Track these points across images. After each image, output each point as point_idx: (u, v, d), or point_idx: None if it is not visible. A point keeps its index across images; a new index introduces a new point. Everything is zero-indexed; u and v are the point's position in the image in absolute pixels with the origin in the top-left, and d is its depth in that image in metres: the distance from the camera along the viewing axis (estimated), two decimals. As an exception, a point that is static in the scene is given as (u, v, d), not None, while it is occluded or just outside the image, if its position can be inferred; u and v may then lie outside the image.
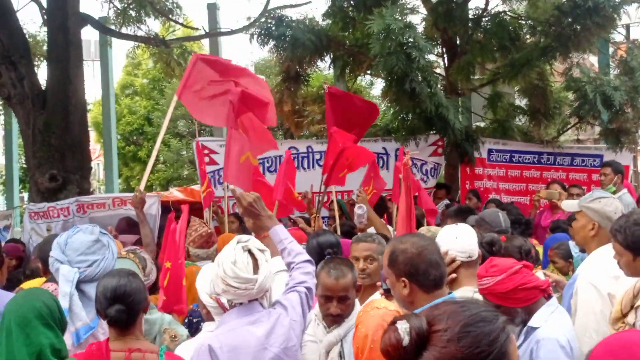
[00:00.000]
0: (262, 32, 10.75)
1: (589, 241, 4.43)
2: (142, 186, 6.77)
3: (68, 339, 3.59)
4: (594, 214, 4.37)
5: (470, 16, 10.99)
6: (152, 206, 8.67)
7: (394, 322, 1.82)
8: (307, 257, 3.82)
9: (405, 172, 6.27)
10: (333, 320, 3.79)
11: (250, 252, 3.39)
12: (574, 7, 9.45)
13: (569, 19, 9.67)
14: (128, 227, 7.96)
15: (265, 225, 3.91)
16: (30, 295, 3.11)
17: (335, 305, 3.73)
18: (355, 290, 3.85)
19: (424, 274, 3.01)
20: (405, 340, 1.74)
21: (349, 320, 3.77)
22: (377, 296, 4.05)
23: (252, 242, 3.45)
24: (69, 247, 3.86)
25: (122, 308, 3.30)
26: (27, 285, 5.02)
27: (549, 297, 3.66)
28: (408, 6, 10.41)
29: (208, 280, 3.56)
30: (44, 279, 4.95)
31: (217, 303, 3.66)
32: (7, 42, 9.92)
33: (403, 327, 1.76)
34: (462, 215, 6.16)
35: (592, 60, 14.07)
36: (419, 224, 6.51)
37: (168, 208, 8.47)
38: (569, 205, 4.78)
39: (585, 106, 10.01)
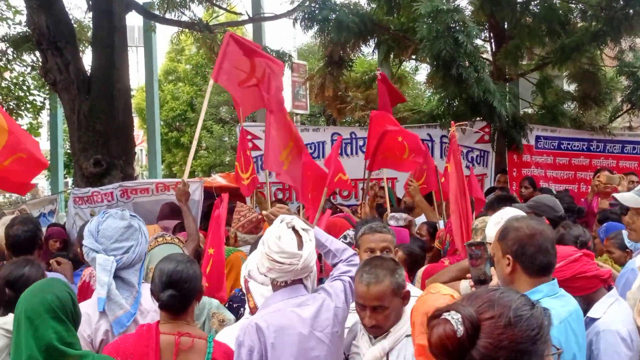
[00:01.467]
0: (306, 16, 10.72)
1: None
2: (185, 176, 6.75)
3: (103, 327, 3.66)
4: None
5: (519, 0, 10.81)
6: (195, 192, 8.68)
7: (438, 315, 1.80)
8: (352, 251, 3.80)
9: (453, 146, 6.16)
10: (374, 331, 3.45)
11: (294, 229, 3.40)
12: (626, -10, 9.27)
13: (621, 3, 9.49)
14: (171, 212, 8.00)
15: None
16: (43, 288, 3.09)
17: (368, 316, 3.38)
18: (401, 297, 3.45)
19: (530, 257, 3.01)
20: (460, 330, 1.72)
21: (396, 331, 3.44)
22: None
23: (296, 221, 3.46)
24: (101, 235, 3.81)
25: (174, 294, 3.33)
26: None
27: (609, 287, 3.59)
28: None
29: (254, 263, 3.56)
30: None
31: (244, 286, 3.71)
32: (53, 28, 10.03)
33: (454, 317, 1.74)
34: (502, 203, 5.83)
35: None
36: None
37: (211, 194, 8.50)
38: (628, 199, 4.34)
39: (638, 92, 9.81)
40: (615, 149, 10.84)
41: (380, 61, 12.20)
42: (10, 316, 3.85)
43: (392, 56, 11.99)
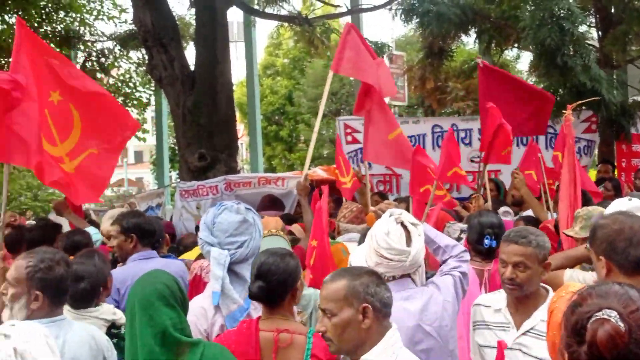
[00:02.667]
0: (406, 8, 10.63)
1: None
2: (304, 171, 6.74)
3: (219, 322, 3.71)
4: None
5: (628, -17, 10.42)
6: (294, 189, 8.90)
7: (590, 316, 1.77)
8: (462, 247, 3.75)
9: (568, 130, 5.92)
10: (513, 289, 3.38)
11: (403, 224, 3.36)
12: None
13: None
14: (270, 203, 8.17)
15: None
16: (151, 278, 3.13)
17: (509, 270, 3.34)
18: (542, 266, 3.39)
19: (622, 252, 2.84)
20: (623, 327, 1.70)
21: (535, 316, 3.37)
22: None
23: (405, 215, 3.42)
24: (217, 228, 3.84)
25: (262, 285, 3.34)
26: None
27: None
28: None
29: (362, 256, 3.56)
30: (197, 252, 5.13)
31: None
32: (158, 25, 10.31)
33: (612, 315, 1.72)
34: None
35: None
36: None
37: (311, 187, 8.57)
38: None
39: None
40: None
41: (481, 50, 11.99)
42: (105, 306, 3.99)
43: (493, 45, 11.74)
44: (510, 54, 17.89)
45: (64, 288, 3.40)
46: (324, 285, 2.85)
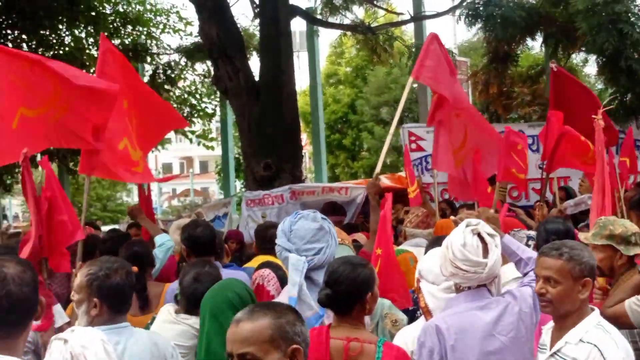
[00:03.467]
0: (470, 12, 10.54)
1: None
2: (377, 170, 6.71)
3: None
4: None
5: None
6: (359, 196, 8.92)
7: None
8: None
9: (598, 138, 5.77)
10: (545, 305, 3.20)
11: (479, 235, 3.32)
12: None
13: None
14: (332, 209, 8.19)
15: None
16: (224, 287, 3.18)
17: (540, 284, 3.18)
18: (580, 285, 3.14)
19: None
20: None
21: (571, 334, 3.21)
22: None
23: (482, 226, 3.37)
24: (294, 235, 3.89)
25: (329, 293, 3.34)
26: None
27: None
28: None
29: (433, 265, 3.56)
30: (260, 260, 5.17)
31: (416, 285, 3.70)
32: (223, 37, 10.45)
33: None
34: None
35: None
36: None
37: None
38: None
39: None
40: None
41: (548, 54, 11.78)
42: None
43: (560, 49, 11.52)
44: (577, 57, 17.57)
45: (122, 296, 3.44)
46: (238, 325, 2.40)
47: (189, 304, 4.00)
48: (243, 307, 2.99)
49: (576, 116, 7.65)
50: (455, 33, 38.07)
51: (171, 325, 3.97)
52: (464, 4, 11.13)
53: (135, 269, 3.95)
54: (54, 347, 2.55)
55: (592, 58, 12.65)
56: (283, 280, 3.57)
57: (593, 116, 6.09)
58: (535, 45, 12.52)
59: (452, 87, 7.05)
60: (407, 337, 3.56)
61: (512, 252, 3.66)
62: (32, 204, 4.84)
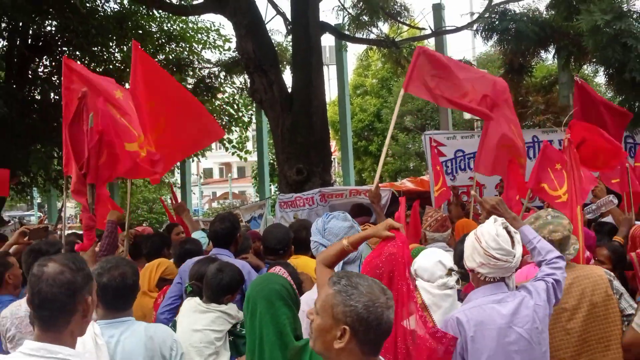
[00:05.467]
0: (486, 27, 10.49)
1: None
2: (375, 182, 6.82)
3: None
4: None
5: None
6: (384, 197, 8.95)
7: None
8: (557, 253, 3.63)
9: (566, 151, 5.66)
10: None
11: (507, 229, 3.35)
12: None
13: None
14: (359, 211, 8.20)
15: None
16: (270, 279, 3.18)
17: None
18: None
19: None
20: None
21: None
22: None
23: (507, 222, 3.41)
24: (328, 233, 4.02)
25: None
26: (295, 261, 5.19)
27: None
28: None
29: (433, 262, 3.63)
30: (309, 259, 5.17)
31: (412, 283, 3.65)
32: (259, 53, 10.52)
33: None
34: None
35: None
36: None
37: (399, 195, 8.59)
38: None
39: None
40: None
41: (560, 66, 11.69)
42: (231, 305, 4.11)
43: (572, 60, 11.43)
44: (588, 68, 17.40)
45: (113, 294, 3.38)
46: None
47: (214, 293, 4.07)
48: (289, 298, 3.10)
49: (598, 124, 7.57)
50: (474, 46, 38.06)
51: (204, 314, 4.02)
52: (481, 19, 11.10)
53: None
54: None
55: (602, 69, 12.56)
56: (292, 275, 3.61)
57: (564, 133, 6.03)
58: (548, 57, 12.39)
59: (461, 83, 6.97)
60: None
61: (528, 241, 3.65)
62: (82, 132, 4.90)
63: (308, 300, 3.60)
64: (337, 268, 3.72)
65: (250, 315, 3.08)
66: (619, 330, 3.86)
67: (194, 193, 33.54)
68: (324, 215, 4.24)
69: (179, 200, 8.34)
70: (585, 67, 14.04)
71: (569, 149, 5.48)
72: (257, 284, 3.18)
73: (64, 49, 14.70)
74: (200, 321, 4.00)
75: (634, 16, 8.88)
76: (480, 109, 6.99)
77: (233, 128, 17.83)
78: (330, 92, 28.59)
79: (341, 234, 3.98)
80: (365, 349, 2.29)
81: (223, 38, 17.33)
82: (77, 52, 14.90)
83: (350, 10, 12.77)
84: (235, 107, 17.82)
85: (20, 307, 4.02)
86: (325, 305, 2.35)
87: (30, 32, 14.43)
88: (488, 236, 3.30)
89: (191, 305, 4.12)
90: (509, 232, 3.33)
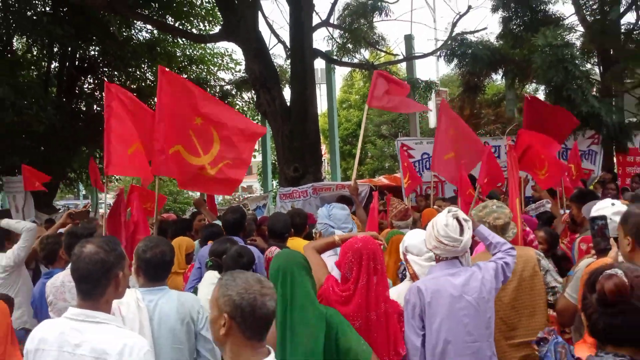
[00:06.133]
0: (448, 53, 10.54)
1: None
2: (353, 179, 6.86)
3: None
4: None
5: (623, 30, 10.02)
6: (363, 192, 8.97)
7: (601, 272, 1.87)
8: (510, 245, 3.60)
9: (509, 156, 5.54)
10: None
11: (457, 219, 3.34)
12: None
13: None
14: (344, 200, 8.15)
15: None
16: (293, 254, 3.17)
17: None
18: None
19: None
20: (626, 282, 1.81)
21: None
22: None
23: (460, 212, 3.39)
24: (333, 218, 4.28)
25: None
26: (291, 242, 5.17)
27: None
28: (567, 27, 9.70)
29: (420, 240, 3.59)
30: (302, 241, 5.14)
31: (404, 258, 3.67)
32: (264, 73, 10.50)
33: (619, 273, 1.83)
34: (584, 199, 5.20)
35: None
36: None
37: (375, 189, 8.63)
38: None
39: None
40: None
41: (507, 85, 11.75)
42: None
43: (516, 81, 11.48)
44: (529, 87, 17.44)
45: (154, 267, 3.41)
46: None
47: (239, 268, 3.96)
48: (309, 268, 3.09)
49: (546, 130, 7.56)
50: (438, 69, 38.00)
51: None
52: (444, 46, 11.13)
53: None
54: None
55: (541, 88, 12.56)
56: None
57: (506, 140, 6.05)
58: (498, 78, 12.43)
59: (402, 102, 7.18)
60: (393, 293, 3.57)
61: (484, 238, 3.64)
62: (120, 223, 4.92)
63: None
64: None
65: (281, 282, 3.01)
66: (543, 300, 3.86)
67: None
68: (325, 205, 4.42)
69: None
70: (527, 86, 14.11)
71: (509, 154, 5.50)
72: (284, 258, 3.12)
73: (104, 69, 14.67)
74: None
75: (578, 44, 8.97)
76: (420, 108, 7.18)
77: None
78: (321, 105, 28.48)
79: (343, 219, 4.23)
80: (247, 334, 2.15)
81: (234, 61, 17.28)
82: (115, 72, 14.87)
83: (338, 40, 12.75)
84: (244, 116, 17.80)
85: (57, 279, 4.00)
86: (212, 298, 2.22)
87: (77, 55, 14.38)
88: (439, 225, 3.31)
89: (210, 277, 4.10)
90: (459, 221, 3.32)
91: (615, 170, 9.95)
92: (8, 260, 5.32)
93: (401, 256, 3.74)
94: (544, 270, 3.96)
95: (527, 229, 4.53)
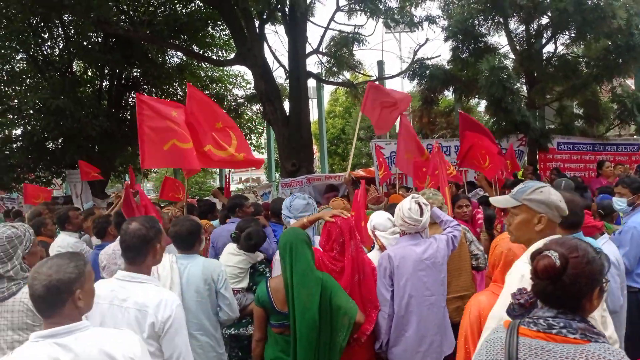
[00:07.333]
0: (411, 73, 10.56)
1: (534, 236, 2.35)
2: (347, 171, 6.82)
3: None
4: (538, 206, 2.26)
5: (544, 57, 10.06)
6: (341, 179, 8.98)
7: (540, 252, 1.70)
8: (456, 222, 3.61)
9: (439, 156, 5.71)
10: None
11: (418, 203, 3.33)
12: (616, 48, 8.49)
13: (613, 55, 8.60)
14: (330, 188, 8.23)
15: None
16: (296, 232, 3.10)
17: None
18: None
19: (566, 217, 2.45)
20: (558, 263, 1.64)
21: None
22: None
23: (420, 198, 3.39)
24: (292, 208, 3.87)
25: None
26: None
27: (602, 233, 3.34)
28: (503, 54, 9.73)
29: (384, 219, 3.59)
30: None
31: (372, 234, 3.64)
32: (268, 90, 10.45)
33: (553, 254, 1.66)
34: (512, 186, 5.28)
35: (629, 82, 12.32)
36: None
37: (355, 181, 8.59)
38: (499, 201, 2.40)
39: (625, 112, 8.91)
40: (611, 148, 9.87)
41: (456, 99, 11.75)
42: (256, 253, 3.99)
43: (463, 96, 11.49)
44: (473, 101, 17.45)
45: (183, 238, 3.38)
46: None
47: (247, 246, 3.92)
48: (310, 242, 3.02)
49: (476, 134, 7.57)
50: (403, 86, 37.94)
51: (235, 256, 3.96)
52: (408, 68, 11.13)
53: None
54: None
55: (483, 102, 12.59)
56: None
57: (435, 143, 6.10)
58: (449, 94, 12.44)
59: (388, 113, 7.03)
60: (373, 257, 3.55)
61: (437, 217, 3.66)
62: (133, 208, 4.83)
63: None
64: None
65: (289, 254, 2.97)
66: (468, 264, 3.91)
67: (230, 177, 33.13)
68: (290, 196, 4.03)
69: (228, 183, 8.99)
70: (470, 100, 14.12)
71: (438, 154, 5.68)
72: (290, 234, 3.06)
73: (144, 87, 14.51)
74: (232, 260, 3.95)
75: (511, 67, 9.00)
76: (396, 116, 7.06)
77: (252, 136, 17.77)
78: (313, 115, 28.29)
79: (300, 208, 3.85)
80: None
81: (245, 81, 17.21)
82: (153, 89, 14.72)
83: (326, 64, 12.69)
84: (254, 123, 17.73)
85: (110, 248, 3.96)
86: None
87: (123, 76, 14.22)
88: (404, 208, 3.31)
89: (229, 248, 4.06)
90: (420, 205, 3.32)
91: (537, 166, 9.99)
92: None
93: (369, 232, 3.75)
94: (469, 242, 3.99)
95: (479, 210, 4.65)
